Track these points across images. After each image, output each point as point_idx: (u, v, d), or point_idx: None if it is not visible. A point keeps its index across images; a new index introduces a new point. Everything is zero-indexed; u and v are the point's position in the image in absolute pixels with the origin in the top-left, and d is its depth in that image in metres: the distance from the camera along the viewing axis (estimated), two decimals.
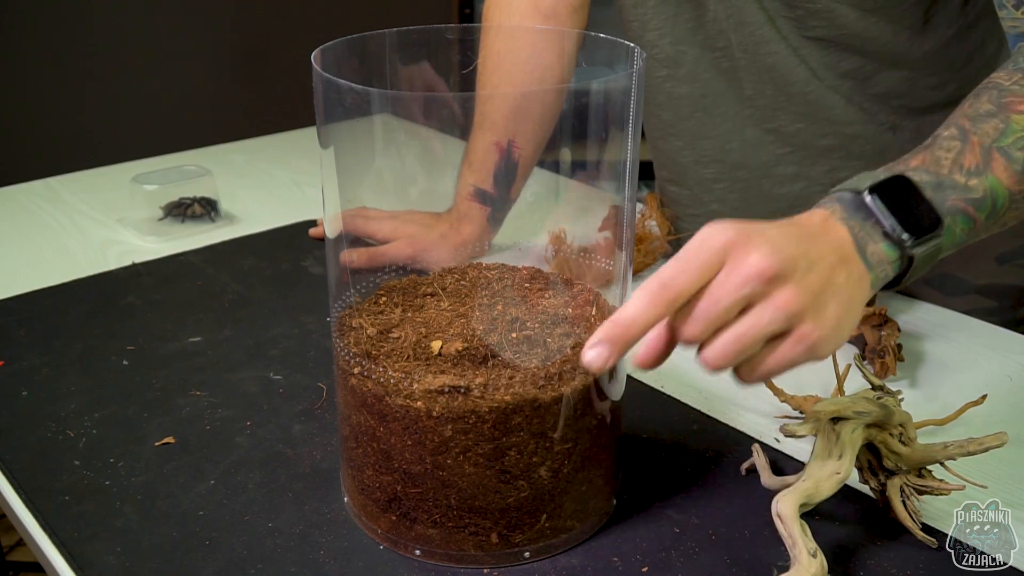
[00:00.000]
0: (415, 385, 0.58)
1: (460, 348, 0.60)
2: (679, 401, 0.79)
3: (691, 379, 0.82)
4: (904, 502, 0.62)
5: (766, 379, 0.56)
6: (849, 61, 0.88)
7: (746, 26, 0.88)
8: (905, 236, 0.58)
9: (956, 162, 0.61)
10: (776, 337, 0.54)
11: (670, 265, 0.53)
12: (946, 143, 0.62)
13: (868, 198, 0.58)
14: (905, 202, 0.59)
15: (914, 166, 0.61)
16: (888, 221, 0.58)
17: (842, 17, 0.84)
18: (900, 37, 0.86)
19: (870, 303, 0.86)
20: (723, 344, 0.53)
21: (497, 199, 0.93)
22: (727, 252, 0.53)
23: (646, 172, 0.89)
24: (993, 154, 0.61)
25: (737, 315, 0.53)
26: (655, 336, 0.54)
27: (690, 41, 0.91)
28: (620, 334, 0.53)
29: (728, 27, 0.88)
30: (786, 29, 0.87)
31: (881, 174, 0.60)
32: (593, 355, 0.53)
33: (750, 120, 0.93)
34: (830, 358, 0.78)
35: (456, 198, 0.95)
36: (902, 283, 0.61)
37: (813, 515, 0.64)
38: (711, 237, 0.53)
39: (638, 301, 0.52)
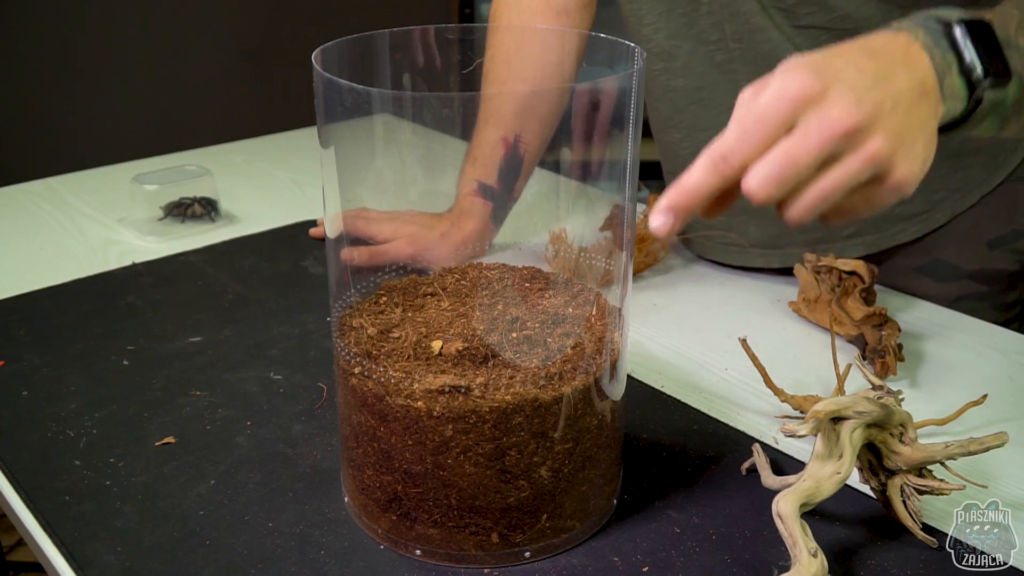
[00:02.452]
0: (415, 385, 0.58)
1: (460, 348, 0.60)
2: (679, 401, 0.79)
3: (692, 379, 0.82)
4: (904, 502, 0.62)
5: (850, 219, 0.54)
6: None
7: (740, 16, 0.88)
8: (982, 73, 0.58)
9: (1020, 28, 0.62)
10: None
11: (733, 127, 0.50)
12: (1007, 13, 0.62)
13: (958, 30, 0.58)
14: (986, 44, 0.59)
15: (989, 19, 0.61)
16: (970, 56, 0.58)
17: None
18: (892, 17, 0.86)
19: (869, 303, 0.86)
20: (809, 201, 0.50)
21: (500, 194, 0.93)
22: (806, 105, 0.50)
23: (649, 172, 0.89)
24: None
25: (818, 168, 0.50)
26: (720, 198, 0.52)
27: (684, 35, 0.91)
28: (683, 203, 0.51)
29: (722, 18, 0.89)
30: (779, 18, 0.87)
31: (965, 14, 0.60)
32: (659, 223, 0.52)
33: None
34: (830, 358, 0.78)
35: (458, 195, 0.95)
36: (957, 128, 0.61)
37: (813, 515, 0.64)
38: (785, 89, 0.50)
39: (699, 169, 0.50)
